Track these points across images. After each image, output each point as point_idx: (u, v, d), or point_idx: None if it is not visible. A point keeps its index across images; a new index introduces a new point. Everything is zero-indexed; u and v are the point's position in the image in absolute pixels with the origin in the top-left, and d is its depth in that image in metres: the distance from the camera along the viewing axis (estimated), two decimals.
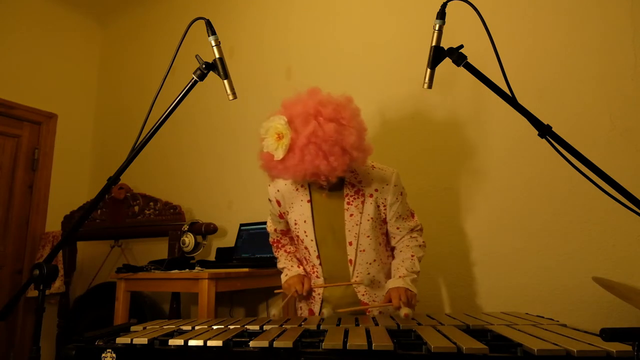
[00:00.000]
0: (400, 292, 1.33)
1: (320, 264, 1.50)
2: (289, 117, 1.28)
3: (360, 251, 1.47)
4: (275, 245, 1.69)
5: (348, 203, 1.47)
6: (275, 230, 1.66)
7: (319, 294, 1.53)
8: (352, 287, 1.51)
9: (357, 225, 1.45)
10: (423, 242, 1.55)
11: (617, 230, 1.68)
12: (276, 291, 1.59)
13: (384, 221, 1.51)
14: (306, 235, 1.50)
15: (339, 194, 1.49)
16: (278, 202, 1.55)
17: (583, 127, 1.78)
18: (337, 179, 1.37)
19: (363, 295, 1.49)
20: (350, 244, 1.46)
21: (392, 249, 1.58)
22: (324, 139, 1.25)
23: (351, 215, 1.46)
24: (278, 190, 1.54)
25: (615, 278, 1.53)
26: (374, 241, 1.48)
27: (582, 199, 1.75)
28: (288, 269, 1.58)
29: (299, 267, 1.58)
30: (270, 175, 1.40)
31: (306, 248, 1.51)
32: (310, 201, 1.50)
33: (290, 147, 1.26)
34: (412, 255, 1.48)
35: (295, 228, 1.53)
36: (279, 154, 1.27)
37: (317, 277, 1.52)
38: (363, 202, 1.46)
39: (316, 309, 1.53)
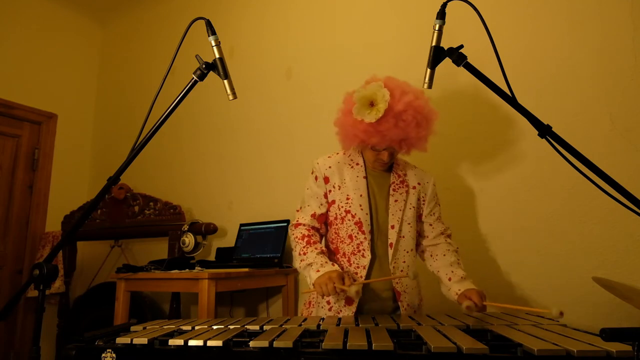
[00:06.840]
0: (480, 293, 1.37)
1: (371, 239, 1.48)
2: (386, 86, 1.37)
3: (401, 237, 1.50)
4: (304, 240, 1.49)
5: (393, 189, 1.54)
6: (314, 216, 1.54)
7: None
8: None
9: (400, 210, 1.51)
10: (457, 248, 1.59)
11: (617, 230, 1.68)
12: (304, 291, 1.40)
13: (419, 218, 1.58)
14: (361, 209, 1.48)
15: (386, 179, 1.56)
16: (326, 179, 1.53)
17: (583, 127, 1.78)
18: (394, 159, 1.53)
19: (397, 283, 1.49)
20: (393, 227, 1.49)
21: (417, 247, 1.60)
22: (419, 109, 1.39)
23: (396, 200, 1.52)
24: (330, 167, 1.54)
25: (615, 278, 1.52)
26: (413, 230, 1.54)
27: (582, 198, 1.75)
28: (321, 264, 1.39)
29: (333, 265, 1.41)
30: (349, 141, 1.46)
31: (357, 223, 1.48)
32: (366, 178, 1.54)
33: (385, 112, 1.34)
34: (459, 261, 1.53)
35: (347, 203, 1.50)
36: (372, 118, 1.35)
37: (363, 255, 1.46)
38: (407, 192, 1.54)
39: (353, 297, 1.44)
